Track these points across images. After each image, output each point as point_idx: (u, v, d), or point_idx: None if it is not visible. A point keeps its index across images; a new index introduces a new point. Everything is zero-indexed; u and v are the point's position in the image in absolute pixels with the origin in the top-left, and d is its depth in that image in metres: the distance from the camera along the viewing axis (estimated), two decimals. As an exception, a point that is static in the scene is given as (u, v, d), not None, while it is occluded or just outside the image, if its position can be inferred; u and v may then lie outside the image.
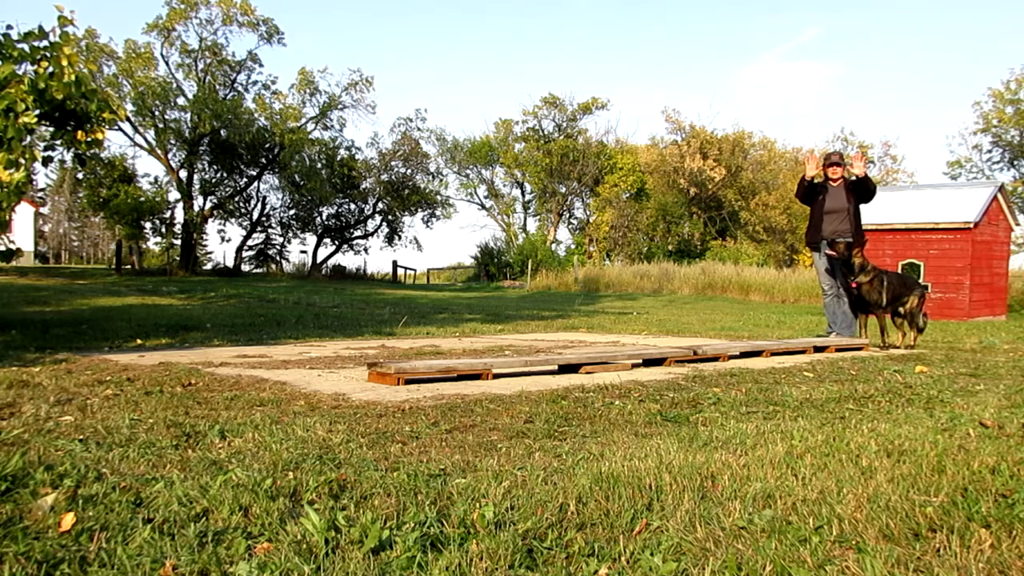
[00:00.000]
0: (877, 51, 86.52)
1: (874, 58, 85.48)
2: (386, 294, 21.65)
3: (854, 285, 7.62)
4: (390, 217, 39.40)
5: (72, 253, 73.03)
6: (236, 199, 35.23)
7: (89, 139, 6.45)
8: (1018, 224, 17.27)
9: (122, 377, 4.28)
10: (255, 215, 36.45)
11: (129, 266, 31.94)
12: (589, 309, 15.96)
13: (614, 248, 39.92)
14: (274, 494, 2.06)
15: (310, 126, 34.45)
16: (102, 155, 28.91)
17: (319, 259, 38.27)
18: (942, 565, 1.66)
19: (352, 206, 38.94)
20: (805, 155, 7.81)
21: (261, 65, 33.68)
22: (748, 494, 2.12)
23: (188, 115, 31.19)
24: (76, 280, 21.77)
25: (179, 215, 33.09)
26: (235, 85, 33.28)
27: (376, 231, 39.89)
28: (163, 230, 33.64)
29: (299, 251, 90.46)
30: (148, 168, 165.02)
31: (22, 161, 5.74)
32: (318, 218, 37.97)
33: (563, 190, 41.89)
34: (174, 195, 32.68)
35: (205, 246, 40.28)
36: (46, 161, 6.40)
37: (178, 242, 33.66)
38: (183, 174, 32.56)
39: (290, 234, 38.21)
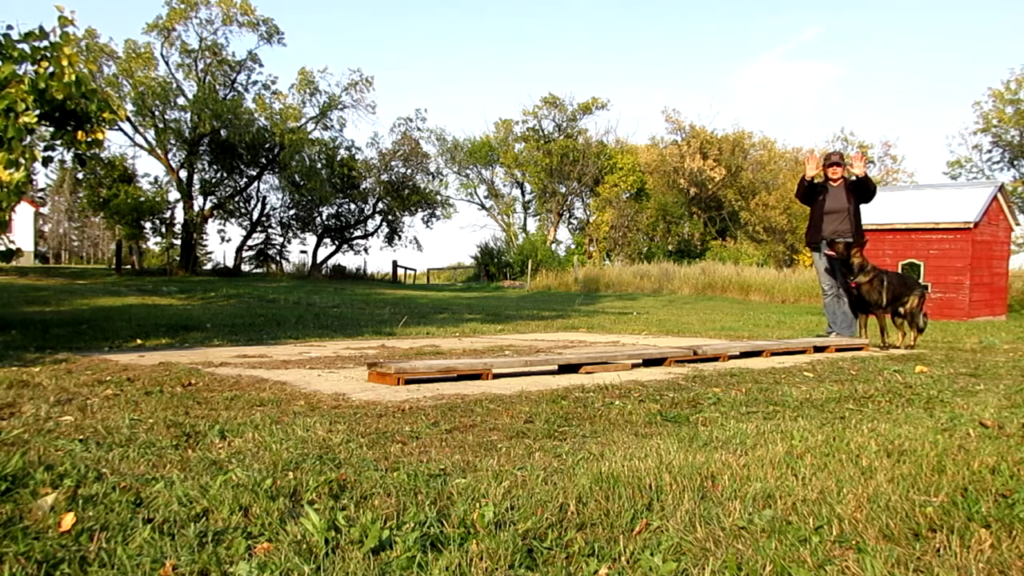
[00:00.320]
0: (877, 51, 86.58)
1: (874, 58, 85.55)
2: (386, 294, 21.65)
3: (853, 285, 7.62)
4: (390, 217, 39.40)
5: (72, 253, 73.04)
6: (236, 199, 35.24)
7: (89, 139, 6.45)
8: (1018, 224, 17.27)
9: (122, 377, 4.28)
10: (255, 215, 36.48)
11: (129, 266, 31.94)
12: (589, 309, 15.96)
13: (614, 248, 39.93)
14: (274, 494, 2.06)
15: (310, 126, 34.46)
16: (102, 155, 28.91)
17: (319, 259, 38.29)
18: (942, 565, 1.66)
19: (352, 206, 38.94)
20: (805, 155, 7.84)
21: (261, 65, 33.72)
22: (748, 494, 2.12)
23: (188, 115, 31.20)
24: (76, 280, 21.77)
25: (179, 215, 33.15)
26: (235, 85, 33.29)
27: (376, 231, 39.92)
28: (163, 230, 33.65)
29: (299, 251, 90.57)
30: (148, 168, 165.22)
31: (22, 161, 5.74)
32: (318, 218, 37.98)
33: (563, 190, 41.89)
34: (174, 195, 32.72)
35: (205, 246, 40.32)
36: (46, 161, 6.40)
37: (178, 242, 33.66)
38: (183, 174, 32.56)
39: (290, 234, 38.25)
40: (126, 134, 31.26)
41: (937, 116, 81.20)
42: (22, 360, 4.96)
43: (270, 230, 37.88)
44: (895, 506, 2.02)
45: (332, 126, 35.70)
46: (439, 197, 40.35)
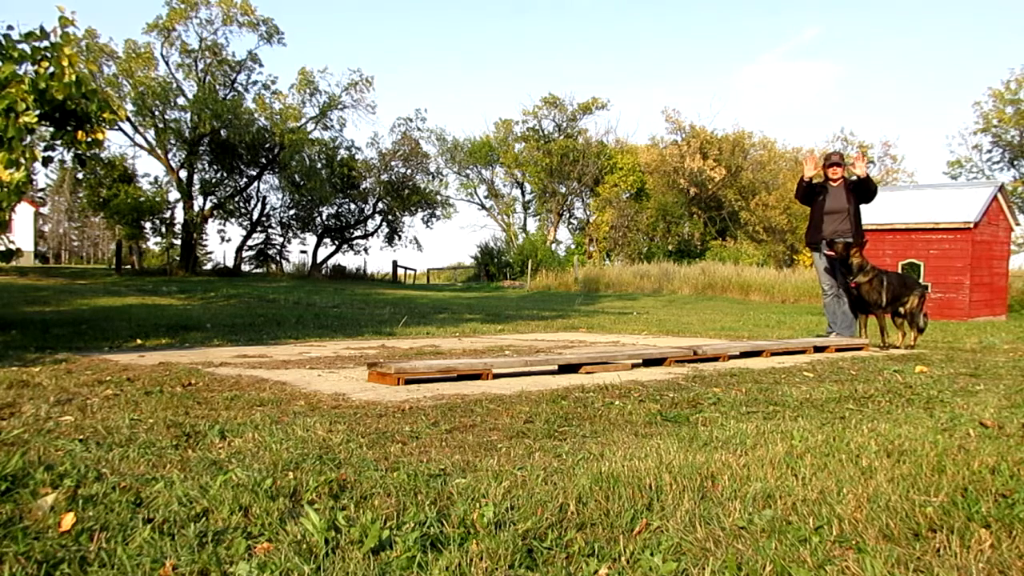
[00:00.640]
0: (877, 51, 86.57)
1: (874, 58, 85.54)
2: (386, 294, 21.65)
3: (853, 285, 7.62)
4: (390, 217, 39.40)
5: (72, 253, 73.04)
6: (236, 199, 35.23)
7: (89, 139, 6.45)
8: (1018, 224, 17.27)
9: (122, 377, 4.28)
10: (255, 215, 36.47)
11: (129, 266, 31.94)
12: (589, 309, 15.96)
13: (614, 248, 39.93)
14: (274, 494, 2.06)
15: (310, 126, 34.46)
16: (102, 155, 28.90)
17: (319, 259, 38.29)
18: (942, 565, 1.66)
19: (352, 206, 38.93)
20: (804, 155, 7.87)
21: (261, 65, 33.71)
22: (748, 494, 2.12)
23: (188, 115, 31.19)
24: (76, 280, 21.77)
25: (179, 215, 33.14)
26: (235, 85, 33.29)
27: (376, 231, 39.91)
28: (163, 230, 33.66)
29: (299, 251, 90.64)
30: (148, 168, 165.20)
31: (22, 161, 5.74)
32: (318, 218, 37.97)
33: (563, 190, 41.88)
34: (174, 195, 32.72)
35: (205, 246, 40.34)
36: (46, 161, 6.40)
37: (178, 242, 33.66)
38: (183, 174, 32.56)
39: (290, 234, 38.23)
40: (126, 134, 31.30)
41: (937, 116, 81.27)
42: (22, 360, 4.96)
43: (270, 230, 37.91)
44: (895, 506, 2.02)
45: (332, 126, 35.74)
46: (439, 197, 40.37)
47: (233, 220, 36.20)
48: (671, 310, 16.74)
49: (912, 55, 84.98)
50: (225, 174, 34.09)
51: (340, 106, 34.90)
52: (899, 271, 12.90)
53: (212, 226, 39.11)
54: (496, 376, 4.73)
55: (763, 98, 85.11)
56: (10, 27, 6.00)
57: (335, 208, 38.17)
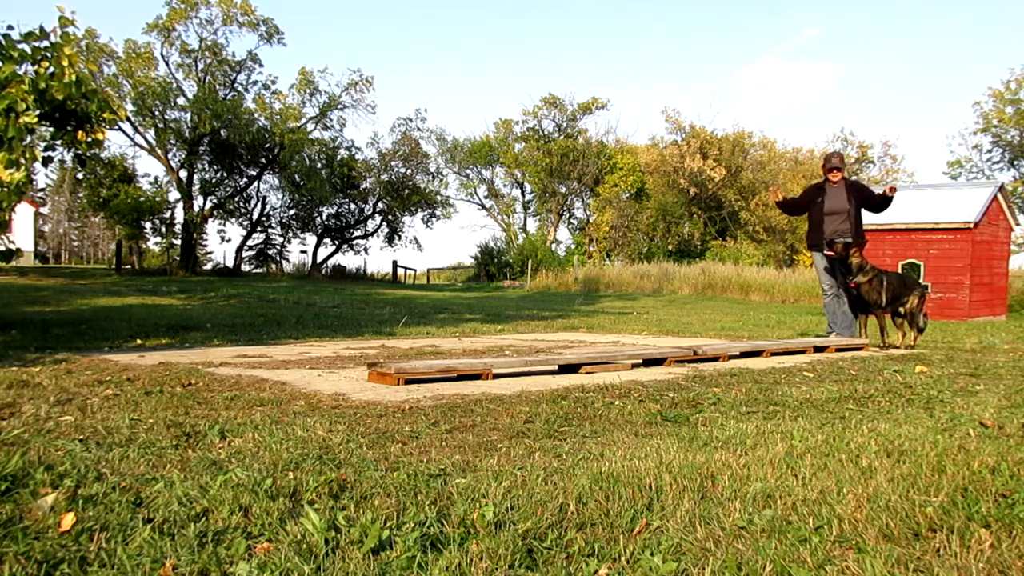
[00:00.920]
0: (877, 51, 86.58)
1: (874, 58, 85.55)
2: (386, 294, 21.65)
3: (853, 285, 7.62)
4: (390, 217, 39.39)
5: (72, 253, 73.03)
6: (236, 199, 35.22)
7: (89, 139, 6.45)
8: (1018, 224, 17.26)
9: (122, 377, 4.28)
10: (255, 215, 36.46)
11: (129, 266, 31.94)
12: (589, 309, 15.96)
13: (614, 248, 39.92)
14: (274, 494, 2.06)
15: (310, 126, 34.45)
16: (102, 155, 28.89)
17: (319, 259, 38.28)
18: (942, 565, 1.66)
19: (352, 206, 38.92)
20: (772, 188, 8.27)
21: (261, 65, 33.70)
22: (748, 494, 2.12)
23: (188, 115, 31.18)
24: (76, 280, 21.76)
25: (179, 215, 33.12)
26: (235, 85, 33.28)
27: (376, 231, 39.90)
28: (163, 230, 33.64)
29: (299, 251, 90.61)
30: (148, 168, 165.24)
31: (22, 161, 5.74)
32: (318, 218, 37.96)
33: (563, 190, 41.88)
34: (174, 195, 32.71)
35: (205, 246, 40.30)
36: (46, 161, 6.40)
37: (178, 242, 33.64)
38: (183, 174, 32.55)
39: (290, 234, 38.21)
40: (126, 134, 31.29)
41: (937, 116, 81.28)
42: (22, 360, 4.96)
43: (270, 230, 37.90)
44: (895, 506, 2.02)
45: (332, 126, 35.72)
46: (439, 197, 40.35)
47: (233, 220, 36.22)
48: (671, 310, 16.74)
49: (912, 55, 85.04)
50: (225, 174, 34.08)
51: (340, 106, 34.91)
52: (899, 271, 12.90)
53: (212, 226, 39.13)
54: (496, 376, 4.73)
55: (763, 98, 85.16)
56: (10, 27, 6.01)
57: (335, 208, 38.17)
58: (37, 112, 5.89)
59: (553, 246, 40.42)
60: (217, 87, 32.39)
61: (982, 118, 34.33)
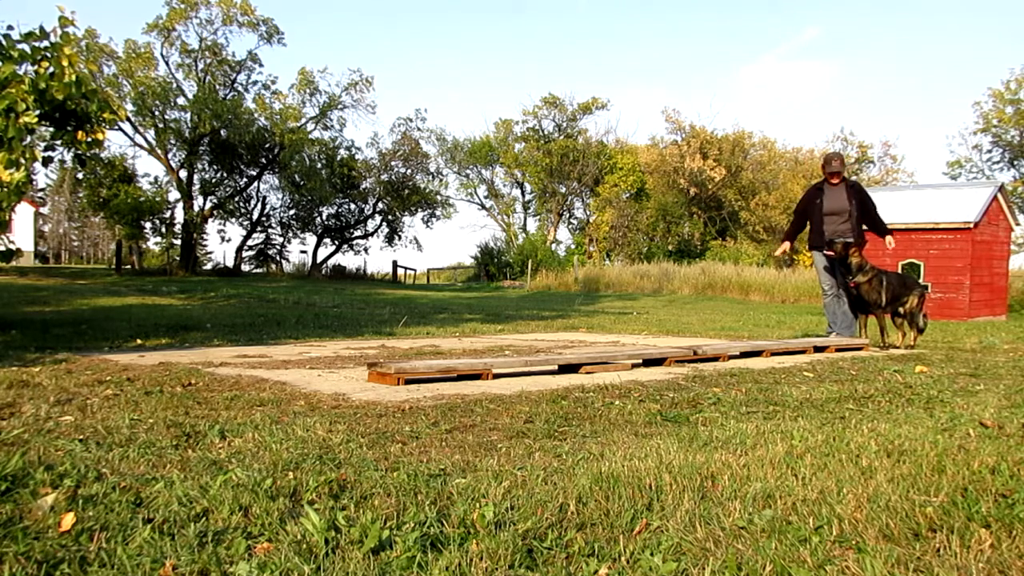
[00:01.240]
0: (877, 51, 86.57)
1: (874, 58, 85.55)
2: (386, 294, 21.65)
3: (853, 285, 7.62)
4: (390, 217, 39.39)
5: (72, 253, 73.03)
6: (236, 199, 35.23)
7: (89, 139, 6.45)
8: (1018, 224, 17.26)
9: (122, 377, 4.28)
10: (255, 215, 36.47)
11: (129, 266, 31.94)
12: (589, 309, 15.96)
13: (614, 248, 39.92)
14: (274, 494, 2.06)
15: (310, 126, 34.46)
16: (102, 155, 28.90)
17: (319, 259, 38.28)
18: (942, 565, 1.66)
19: (352, 206, 38.93)
20: (781, 252, 8.66)
21: (261, 65, 33.71)
22: (748, 494, 2.12)
23: (188, 115, 31.19)
24: (76, 280, 21.77)
25: (179, 215, 33.12)
26: (235, 85, 33.28)
27: (376, 231, 39.90)
28: (163, 230, 33.63)
29: (299, 251, 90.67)
30: (148, 168, 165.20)
31: (22, 161, 5.74)
32: (318, 218, 37.97)
33: (563, 190, 41.88)
34: (174, 195, 32.72)
35: (205, 246, 40.31)
36: (46, 161, 6.40)
37: (178, 242, 33.64)
38: (183, 174, 32.56)
39: (290, 234, 38.23)
40: (126, 134, 31.30)
41: (937, 116, 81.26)
42: (22, 360, 4.96)
43: (270, 230, 37.91)
44: (895, 506, 2.02)
45: (332, 126, 35.74)
46: (439, 197, 40.36)
47: (233, 220, 36.22)
48: (671, 310, 16.74)
49: (912, 55, 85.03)
50: (225, 174, 34.09)
51: (340, 106, 34.91)
52: (899, 271, 12.90)
53: (212, 226, 39.10)
54: (496, 376, 4.73)
55: (763, 98, 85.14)
56: (10, 27, 6.01)
57: (335, 208, 38.18)
58: (37, 112, 5.89)
59: (553, 246, 40.42)
60: (217, 87, 32.40)
61: (982, 118, 34.33)
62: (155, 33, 30.94)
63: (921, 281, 14.34)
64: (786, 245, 8.54)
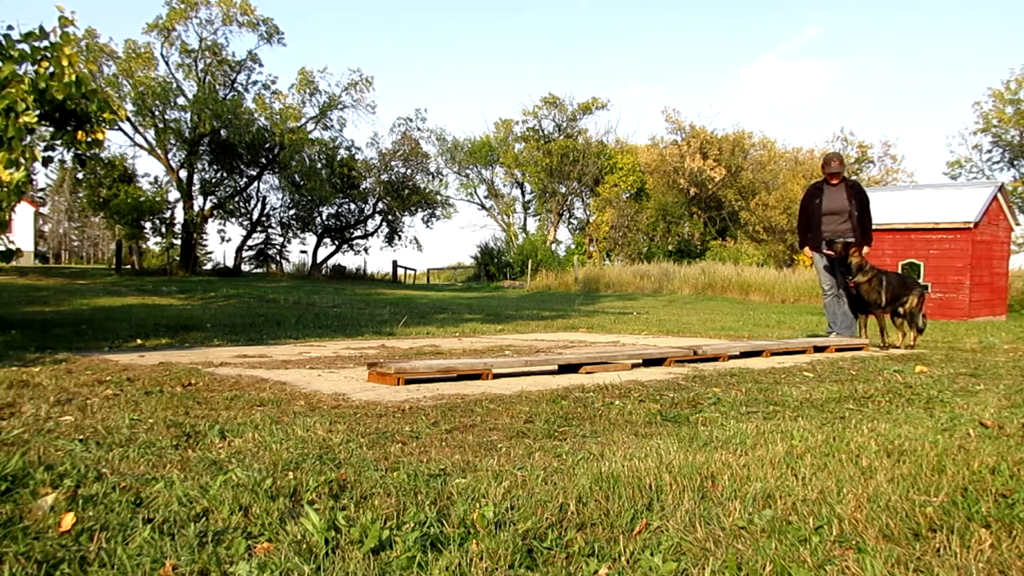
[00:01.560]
0: (877, 51, 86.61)
1: (874, 58, 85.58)
2: (386, 294, 21.65)
3: (852, 285, 7.62)
4: (390, 217, 39.39)
5: (72, 253, 73.03)
6: (236, 199, 35.23)
7: (89, 139, 6.45)
8: (1018, 224, 17.27)
9: (122, 377, 4.27)
10: (255, 215, 36.47)
11: (129, 266, 31.94)
12: (589, 309, 15.96)
13: (614, 248, 39.92)
14: (274, 494, 2.06)
15: (310, 126, 34.46)
16: (102, 155, 28.91)
17: (319, 259, 38.28)
18: (942, 565, 1.66)
19: (352, 206, 38.93)
20: (808, 256, 8.23)
21: (261, 65, 33.71)
22: (748, 494, 2.12)
23: (188, 115, 31.19)
24: (76, 280, 21.76)
25: (179, 215, 33.12)
26: (235, 85, 33.28)
27: (376, 231, 39.90)
28: (163, 230, 33.63)
29: (299, 251, 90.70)
30: (148, 168, 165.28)
31: (22, 161, 5.74)
32: (318, 218, 37.97)
33: (563, 190, 41.88)
34: (174, 195, 32.72)
35: (205, 246, 40.32)
36: (46, 161, 6.40)
37: (178, 242, 33.64)
38: (183, 174, 32.55)
39: (290, 234, 38.23)
40: (126, 134, 31.30)
41: (937, 116, 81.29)
42: (22, 360, 4.96)
43: (270, 230, 37.91)
44: (895, 506, 2.02)
45: (332, 126, 35.74)
46: (439, 197, 40.36)
47: (233, 220, 36.23)
48: (671, 310, 16.74)
49: (912, 55, 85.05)
50: (225, 174, 34.09)
51: (340, 106, 34.91)
52: (899, 271, 12.90)
53: (212, 226, 39.13)
54: (496, 376, 4.73)
55: (763, 98, 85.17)
56: (10, 27, 6.01)
57: (335, 208, 38.18)
58: (37, 112, 5.89)
59: (553, 246, 40.43)
60: (217, 87, 32.40)
61: (982, 118, 34.34)
62: (155, 33, 30.94)
63: (921, 281, 14.34)
64: (808, 251, 8.06)
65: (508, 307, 15.99)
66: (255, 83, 33.70)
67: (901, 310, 7.84)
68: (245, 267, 36.16)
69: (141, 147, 31.89)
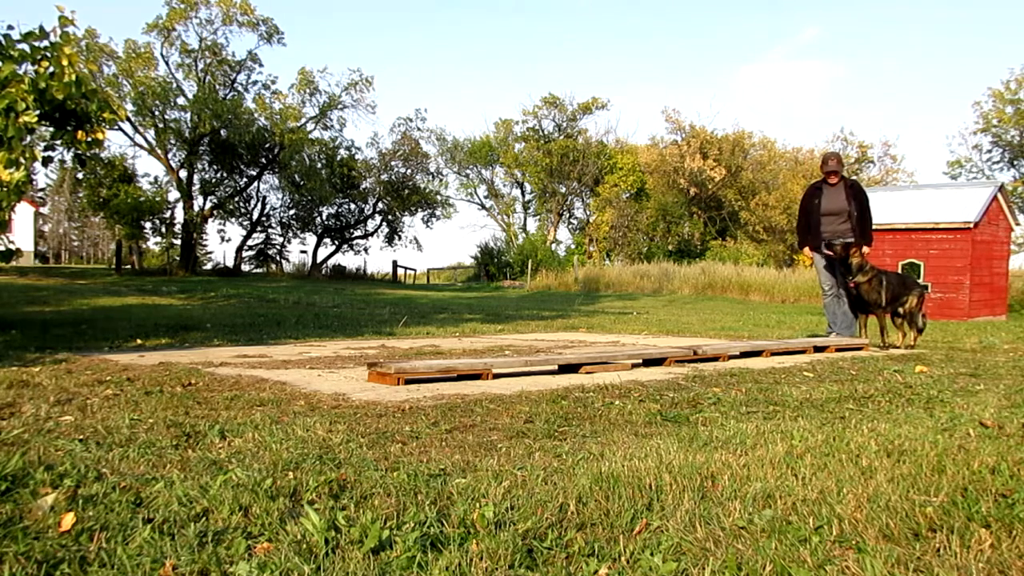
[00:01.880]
0: (877, 51, 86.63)
1: (874, 58, 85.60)
2: (386, 294, 21.65)
3: (852, 285, 7.62)
4: (390, 217, 39.39)
5: (72, 253, 73.02)
6: (236, 199, 35.23)
7: (89, 139, 6.45)
8: (1018, 224, 17.27)
9: (122, 377, 4.27)
10: (255, 215, 36.47)
11: (129, 266, 31.94)
12: (589, 309, 15.96)
13: (614, 248, 39.92)
14: (274, 494, 2.06)
15: (310, 126, 34.45)
16: (102, 155, 28.92)
17: (319, 259, 38.28)
18: (942, 565, 1.66)
19: (352, 206, 38.93)
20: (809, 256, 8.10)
21: (261, 65, 33.70)
22: (748, 494, 2.12)
23: (188, 115, 31.19)
24: (76, 280, 21.76)
25: (179, 215, 33.13)
26: (235, 85, 33.28)
27: (376, 231, 39.91)
28: (163, 230, 33.63)
29: (299, 251, 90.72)
30: (148, 168, 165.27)
31: (22, 161, 5.74)
32: (318, 218, 37.97)
33: (563, 190, 41.88)
34: (174, 195, 32.72)
35: (205, 246, 40.31)
36: (46, 161, 6.40)
37: (178, 242, 33.64)
38: (183, 174, 32.55)
39: (290, 234, 38.24)
40: (126, 134, 31.30)
41: (937, 116, 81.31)
42: (22, 360, 4.96)
43: (270, 230, 37.91)
44: (895, 506, 2.02)
45: (332, 126, 35.74)
46: (439, 197, 40.35)
47: (233, 220, 36.22)
48: (671, 310, 16.74)
49: (912, 55, 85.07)
50: (225, 174, 34.09)
51: (340, 106, 34.91)
52: (899, 271, 12.90)
53: (212, 226, 39.08)
54: (496, 376, 4.73)
55: (763, 98, 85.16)
56: (10, 27, 6.01)
57: (335, 208, 38.18)
58: (37, 112, 5.89)
59: (553, 246, 40.43)
60: (217, 87, 32.39)
61: (982, 118, 34.34)
62: (155, 33, 30.94)
63: (921, 281, 14.34)
64: (808, 252, 8.05)
65: (508, 307, 15.99)
66: (255, 83, 33.74)
67: (901, 310, 7.84)
68: (245, 267, 36.16)
69: (141, 147, 31.92)
